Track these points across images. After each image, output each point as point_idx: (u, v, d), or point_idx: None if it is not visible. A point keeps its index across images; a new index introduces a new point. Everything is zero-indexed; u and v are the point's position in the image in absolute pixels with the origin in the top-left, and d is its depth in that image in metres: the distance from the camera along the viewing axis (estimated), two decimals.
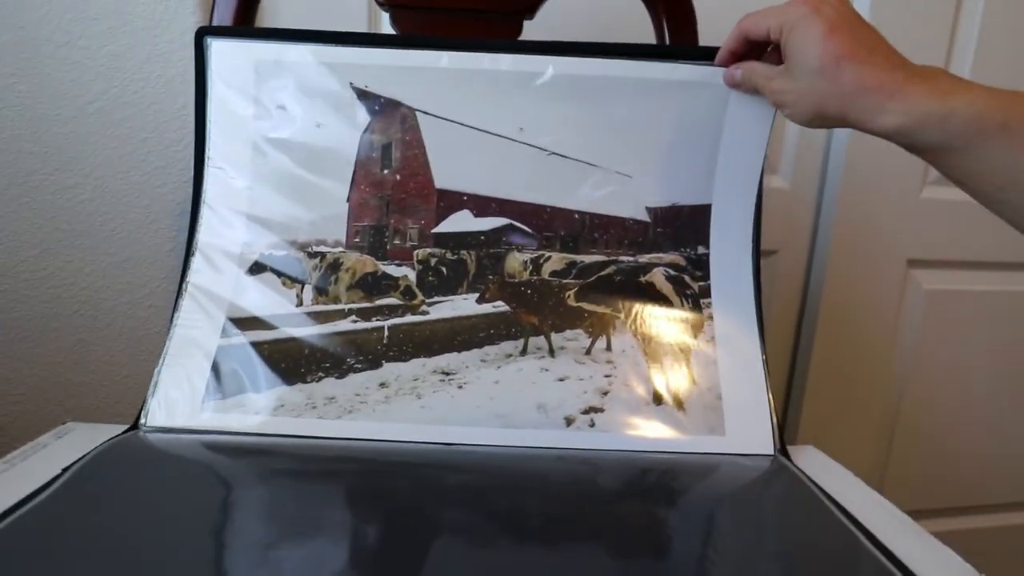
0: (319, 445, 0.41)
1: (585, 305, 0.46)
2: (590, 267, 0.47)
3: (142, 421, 0.43)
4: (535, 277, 0.47)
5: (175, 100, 0.62)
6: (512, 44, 0.47)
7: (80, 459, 0.37)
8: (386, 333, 0.46)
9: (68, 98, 0.61)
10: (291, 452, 0.40)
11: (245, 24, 0.49)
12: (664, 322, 0.46)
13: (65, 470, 0.36)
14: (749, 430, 0.43)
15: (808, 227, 0.80)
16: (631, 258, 0.47)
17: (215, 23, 0.49)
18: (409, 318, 0.46)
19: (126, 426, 0.43)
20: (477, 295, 0.46)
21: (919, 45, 0.76)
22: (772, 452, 0.42)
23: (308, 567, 0.28)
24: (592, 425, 0.43)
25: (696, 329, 0.46)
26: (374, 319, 0.46)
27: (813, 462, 0.43)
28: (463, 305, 0.46)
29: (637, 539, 0.33)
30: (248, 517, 0.34)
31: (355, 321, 0.46)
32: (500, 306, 0.46)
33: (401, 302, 0.46)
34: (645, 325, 0.46)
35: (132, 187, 0.65)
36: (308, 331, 0.45)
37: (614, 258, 0.47)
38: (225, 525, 0.33)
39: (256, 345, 0.44)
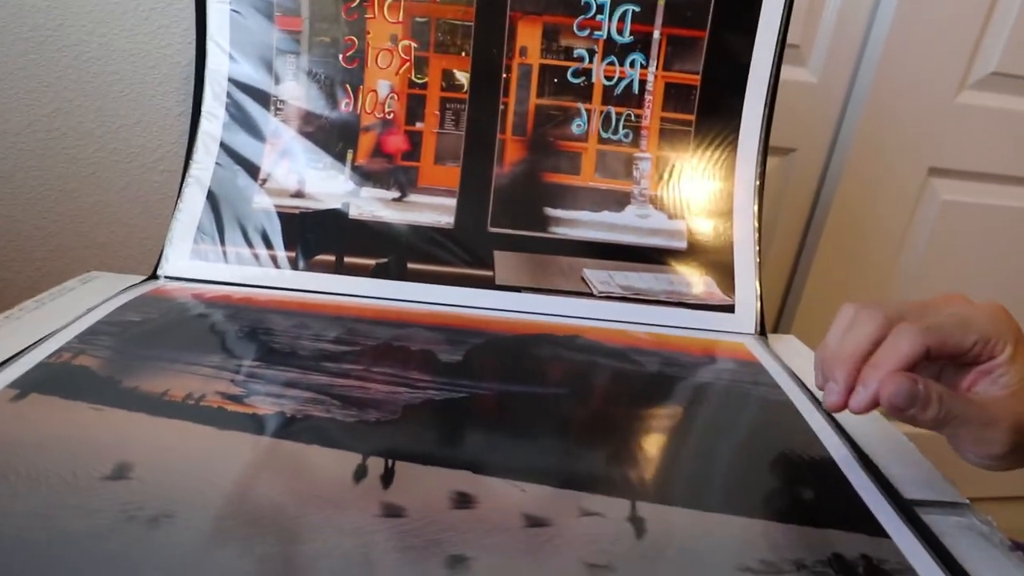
0: (337, 302, 0.43)
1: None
2: None
3: (159, 271, 0.45)
4: None
5: None
6: None
7: (101, 303, 0.40)
8: None
9: None
10: (306, 303, 0.42)
11: None
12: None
13: (89, 311, 0.39)
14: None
15: (831, 125, 0.77)
16: None
17: None
18: None
19: (144, 276, 0.46)
20: None
21: (954, 16, 0.70)
22: (753, 333, 0.44)
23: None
24: None
25: None
26: None
27: (788, 348, 0.45)
28: None
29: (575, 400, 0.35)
30: (257, 351, 0.36)
31: None
32: None
33: None
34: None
35: (138, 47, 0.64)
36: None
37: None
38: (234, 363, 0.35)
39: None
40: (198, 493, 0.23)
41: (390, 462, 0.26)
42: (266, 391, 0.31)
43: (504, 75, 0.47)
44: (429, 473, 0.25)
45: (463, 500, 0.24)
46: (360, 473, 0.25)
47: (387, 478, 0.25)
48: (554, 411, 0.31)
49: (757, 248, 0.46)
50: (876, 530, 0.25)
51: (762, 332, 0.45)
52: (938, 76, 0.74)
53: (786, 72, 0.48)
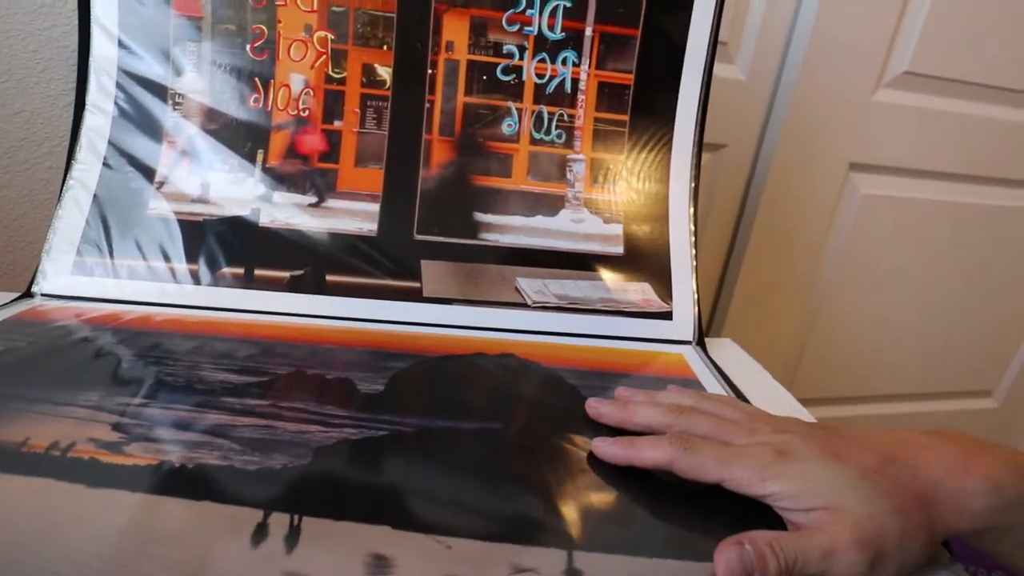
0: (247, 320, 0.39)
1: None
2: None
3: (34, 288, 0.40)
4: None
5: None
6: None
7: None
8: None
9: None
10: (211, 323, 0.38)
11: None
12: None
13: None
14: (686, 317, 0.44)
15: (759, 122, 0.78)
16: None
17: None
18: None
19: (17, 293, 0.40)
20: None
21: (871, 17, 0.72)
22: (691, 341, 0.44)
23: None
24: None
25: None
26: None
27: (726, 354, 0.44)
28: None
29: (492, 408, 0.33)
30: (132, 381, 0.32)
31: None
32: None
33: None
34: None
35: (15, 28, 0.56)
36: None
37: None
38: (111, 389, 0.31)
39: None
40: (53, 574, 0.20)
41: (296, 519, 0.23)
42: (152, 436, 0.27)
43: (430, 71, 0.44)
44: (342, 530, 0.22)
45: (380, 564, 0.21)
46: (260, 534, 0.22)
47: (292, 539, 0.22)
48: (484, 449, 0.29)
49: (694, 252, 0.46)
50: None
51: (700, 339, 0.44)
52: (856, 74, 0.76)
53: (716, 69, 0.47)
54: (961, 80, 0.80)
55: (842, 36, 0.73)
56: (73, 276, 0.40)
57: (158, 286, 0.40)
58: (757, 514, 0.25)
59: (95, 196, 0.41)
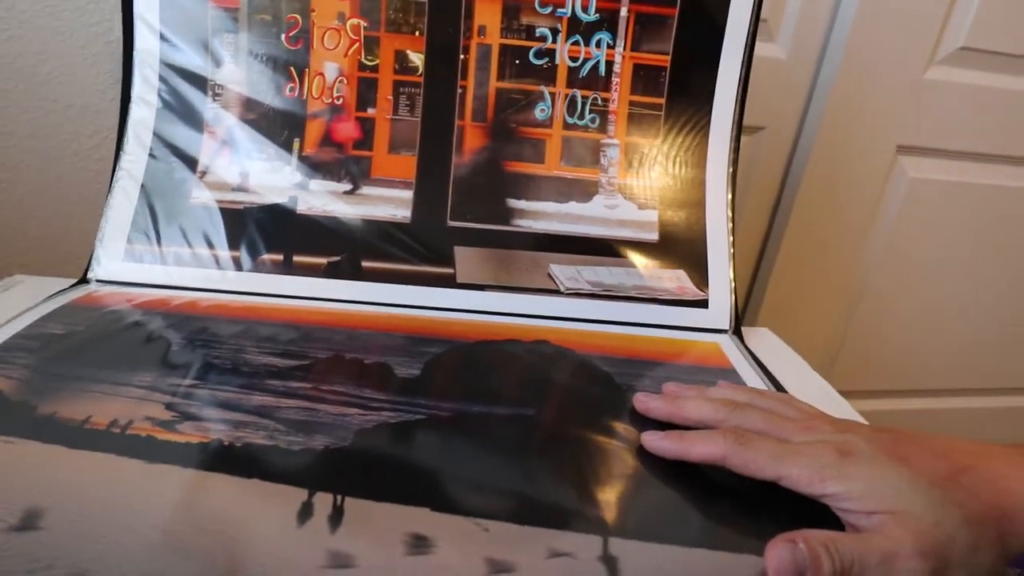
0: (286, 305, 0.40)
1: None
2: None
3: (90, 274, 0.42)
4: None
5: None
6: None
7: (24, 311, 0.36)
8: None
9: None
10: (252, 307, 0.39)
11: None
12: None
13: (7, 322, 0.35)
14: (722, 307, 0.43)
15: (801, 103, 0.76)
16: None
17: None
18: None
19: (75, 280, 0.42)
20: None
21: None
22: (727, 329, 0.43)
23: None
24: None
25: None
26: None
27: (763, 344, 0.43)
28: None
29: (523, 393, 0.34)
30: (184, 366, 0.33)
31: None
32: None
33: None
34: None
35: (64, 24, 0.58)
36: None
37: None
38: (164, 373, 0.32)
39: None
40: (117, 544, 0.21)
41: (339, 499, 0.24)
42: (203, 415, 0.28)
43: (462, 56, 0.44)
44: (382, 511, 0.23)
45: (420, 543, 0.22)
46: (305, 513, 0.23)
47: (335, 518, 0.23)
48: (519, 434, 0.29)
49: (731, 239, 0.45)
50: None
51: (736, 328, 0.43)
52: (907, 51, 0.73)
53: (755, 48, 0.46)
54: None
55: (891, 10, 0.70)
56: (124, 263, 0.42)
57: (203, 272, 0.41)
58: (810, 514, 0.24)
59: (142, 186, 0.43)
